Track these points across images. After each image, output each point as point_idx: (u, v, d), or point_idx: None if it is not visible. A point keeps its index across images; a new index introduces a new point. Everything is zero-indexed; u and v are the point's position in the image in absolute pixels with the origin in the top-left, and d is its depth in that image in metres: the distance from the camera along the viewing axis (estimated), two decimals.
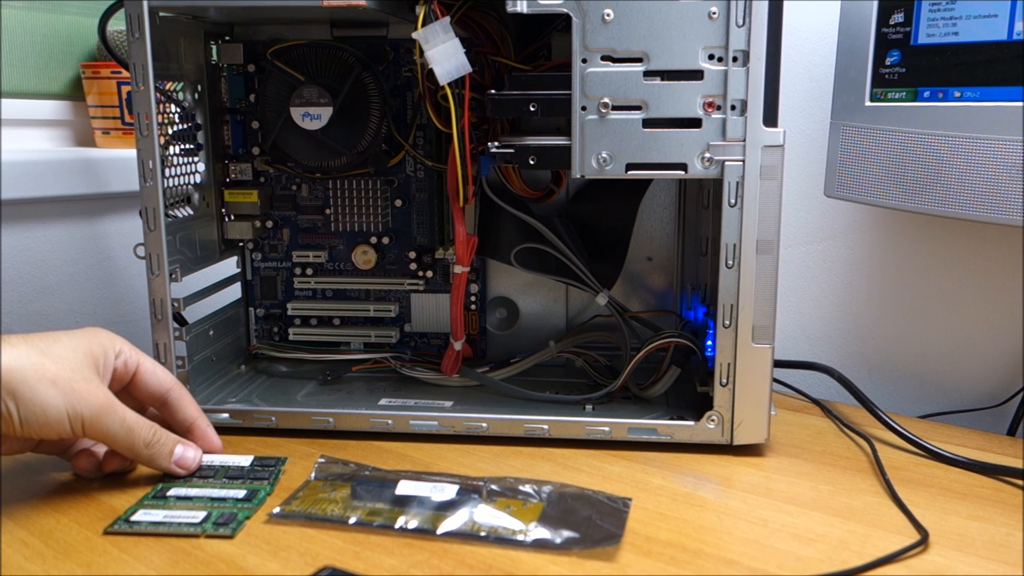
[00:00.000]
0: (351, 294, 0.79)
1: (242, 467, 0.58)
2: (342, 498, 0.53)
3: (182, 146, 0.71)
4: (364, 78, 0.71)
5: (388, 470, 0.57)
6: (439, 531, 0.49)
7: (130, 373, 0.57)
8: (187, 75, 0.71)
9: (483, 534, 0.49)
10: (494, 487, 0.53)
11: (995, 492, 0.56)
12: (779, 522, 0.52)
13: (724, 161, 0.58)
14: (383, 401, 0.69)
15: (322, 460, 0.58)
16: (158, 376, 0.58)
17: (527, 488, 0.53)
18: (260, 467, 0.58)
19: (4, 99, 0.86)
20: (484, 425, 0.64)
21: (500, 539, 0.48)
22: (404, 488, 0.53)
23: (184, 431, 0.59)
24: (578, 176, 0.60)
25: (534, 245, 0.71)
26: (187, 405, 0.59)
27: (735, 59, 0.57)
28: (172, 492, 0.54)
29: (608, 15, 0.57)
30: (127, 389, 0.57)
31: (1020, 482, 0.58)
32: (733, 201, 0.58)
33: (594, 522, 0.50)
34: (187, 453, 0.57)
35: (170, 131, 0.70)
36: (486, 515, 0.50)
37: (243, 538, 0.50)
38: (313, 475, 0.56)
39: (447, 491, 0.53)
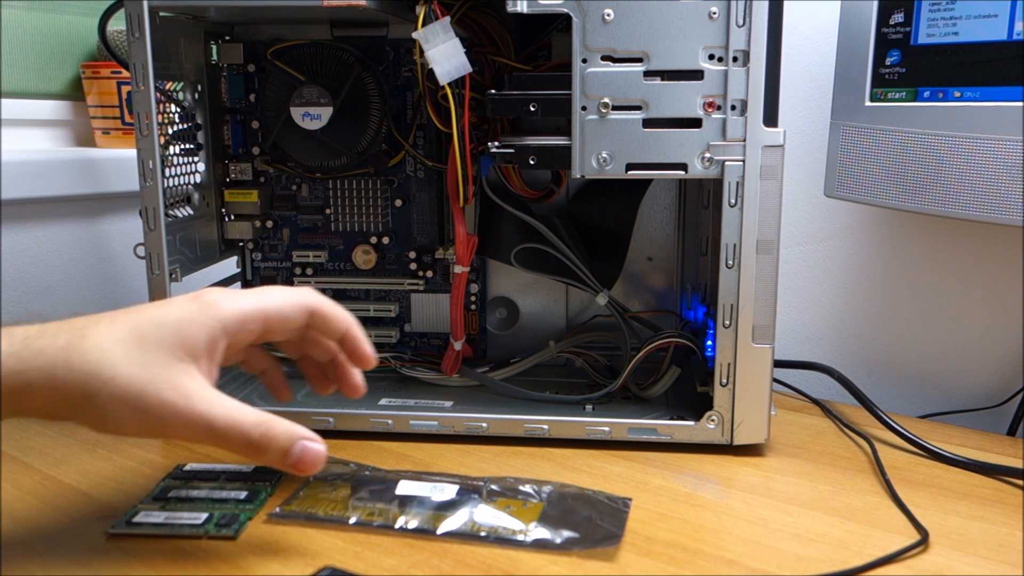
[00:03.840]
0: (351, 294, 0.79)
1: (243, 472, 0.58)
2: (342, 498, 0.53)
3: (182, 146, 0.71)
4: (364, 78, 0.71)
5: (388, 470, 0.57)
6: (439, 531, 0.49)
7: (255, 335, 0.50)
8: (187, 75, 0.71)
9: (483, 534, 0.49)
10: (494, 487, 0.53)
11: (995, 492, 0.56)
12: (779, 522, 0.52)
13: (724, 161, 0.58)
14: (383, 401, 0.69)
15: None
16: (286, 317, 0.50)
17: (527, 488, 0.53)
18: (262, 473, 0.58)
19: (4, 99, 0.86)
20: (484, 425, 0.64)
21: (500, 539, 0.48)
22: (404, 488, 0.53)
23: (335, 349, 0.54)
24: (578, 176, 0.60)
25: (534, 245, 0.71)
26: (332, 323, 0.52)
27: (735, 59, 0.57)
28: (173, 493, 0.54)
29: (608, 15, 0.57)
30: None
31: (1020, 482, 0.58)
32: (733, 201, 0.58)
33: (594, 522, 0.50)
34: (306, 453, 0.47)
35: (170, 131, 0.70)
36: (486, 515, 0.50)
37: (244, 538, 0.50)
38: (313, 475, 0.56)
39: (447, 491, 0.53)
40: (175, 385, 0.45)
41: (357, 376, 0.55)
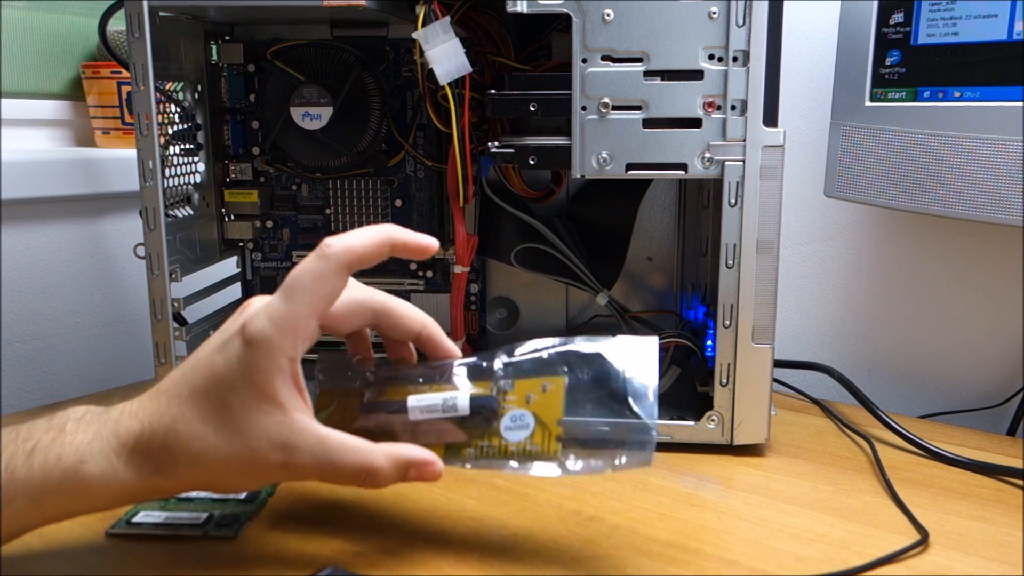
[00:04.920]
0: None
1: None
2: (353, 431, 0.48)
3: (182, 146, 0.71)
4: (364, 78, 0.71)
5: (394, 375, 0.50)
6: (468, 465, 0.46)
7: (315, 339, 0.46)
8: (187, 75, 0.71)
9: (513, 464, 0.45)
10: (509, 363, 0.47)
11: (995, 492, 0.56)
12: (779, 522, 0.52)
13: (724, 161, 0.58)
14: None
15: (321, 366, 0.52)
16: (342, 322, 0.48)
17: (544, 363, 0.47)
18: None
19: (4, 99, 0.86)
20: None
21: (530, 456, 0.45)
22: (416, 412, 0.47)
23: (412, 342, 0.51)
24: (578, 176, 0.60)
25: (534, 245, 0.71)
26: (404, 324, 0.49)
27: (735, 59, 0.57)
28: None
29: (608, 15, 0.57)
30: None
31: (1020, 482, 0.58)
32: (733, 201, 0.58)
33: (623, 414, 0.45)
34: (422, 476, 0.45)
35: (170, 131, 0.70)
36: (508, 427, 0.45)
37: (244, 538, 0.49)
38: (317, 388, 0.51)
39: (459, 403, 0.46)
40: (272, 442, 0.42)
41: (447, 345, 0.51)
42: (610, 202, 0.74)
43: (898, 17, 0.65)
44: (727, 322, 0.60)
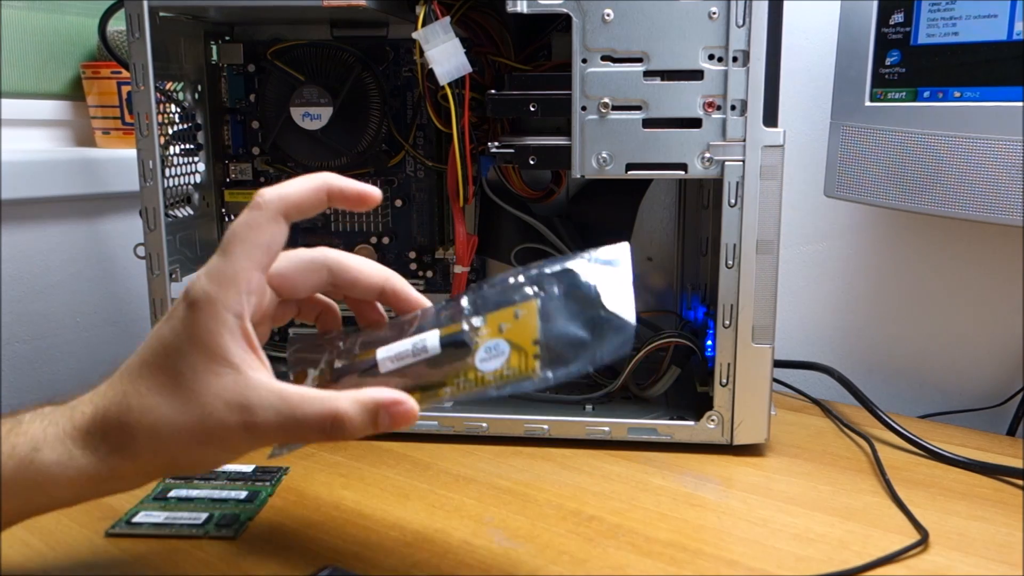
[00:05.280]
0: None
1: (243, 472, 0.58)
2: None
3: (182, 146, 0.71)
4: (364, 78, 0.71)
5: (360, 338, 0.48)
6: (445, 401, 0.44)
7: (263, 294, 0.44)
8: (187, 75, 0.71)
9: (492, 390, 0.43)
10: (476, 297, 0.45)
11: (995, 492, 0.56)
12: (779, 522, 0.52)
13: (724, 161, 0.58)
14: None
15: (291, 348, 0.50)
16: (305, 276, 0.46)
17: (513, 290, 0.44)
18: (262, 473, 0.58)
19: (4, 99, 0.86)
20: (484, 425, 0.64)
21: (509, 382, 0.42)
22: (386, 363, 0.45)
23: (378, 301, 0.49)
24: (578, 176, 0.60)
25: (534, 245, 0.71)
26: (364, 274, 0.47)
27: (735, 59, 0.57)
28: (173, 493, 0.54)
29: (608, 15, 0.57)
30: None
31: (1020, 482, 0.58)
32: (733, 201, 0.58)
33: (598, 314, 0.43)
34: (394, 420, 0.41)
35: (170, 131, 0.70)
36: (484, 358, 0.43)
37: (244, 538, 0.50)
38: (291, 374, 0.49)
39: (429, 343, 0.44)
40: (228, 403, 0.40)
41: (412, 294, 0.48)
42: (610, 202, 0.74)
43: (898, 17, 0.65)
44: (727, 322, 0.60)
